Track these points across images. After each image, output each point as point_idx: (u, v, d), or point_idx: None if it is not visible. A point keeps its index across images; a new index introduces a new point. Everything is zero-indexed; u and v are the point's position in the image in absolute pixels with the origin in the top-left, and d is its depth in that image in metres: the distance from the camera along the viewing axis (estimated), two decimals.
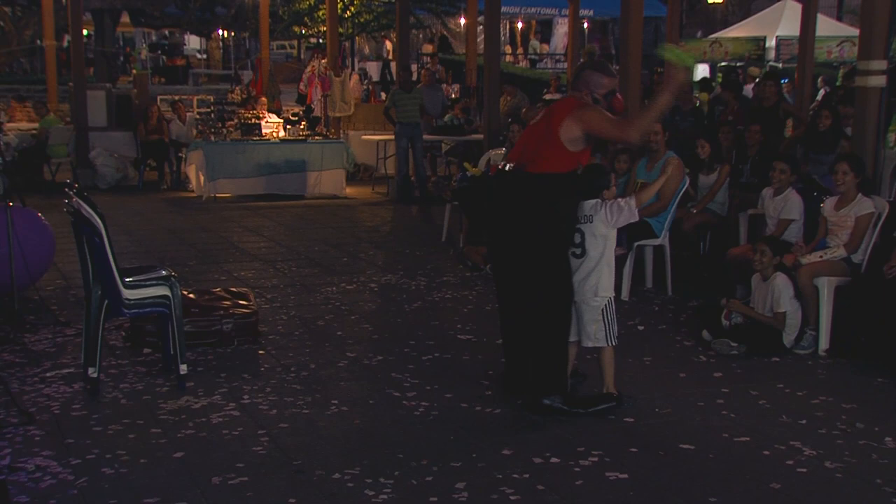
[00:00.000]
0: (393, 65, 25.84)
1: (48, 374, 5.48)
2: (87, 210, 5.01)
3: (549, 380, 4.94)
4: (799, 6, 14.58)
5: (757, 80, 13.19)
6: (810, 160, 8.64)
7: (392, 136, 13.23)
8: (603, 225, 4.95)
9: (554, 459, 4.37)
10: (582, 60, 5.07)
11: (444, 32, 28.71)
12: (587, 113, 4.78)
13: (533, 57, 31.65)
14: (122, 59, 29.74)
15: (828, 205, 6.58)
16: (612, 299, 5.05)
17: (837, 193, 6.50)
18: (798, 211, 6.95)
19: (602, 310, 5.00)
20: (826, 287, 6.17)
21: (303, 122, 13.63)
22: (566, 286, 4.93)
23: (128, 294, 5.16)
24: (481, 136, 12.90)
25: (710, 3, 29.60)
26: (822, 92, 17.11)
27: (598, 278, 4.98)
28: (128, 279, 5.19)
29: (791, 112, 10.90)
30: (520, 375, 5.06)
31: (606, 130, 4.84)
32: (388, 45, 29.27)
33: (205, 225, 10.77)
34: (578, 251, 4.97)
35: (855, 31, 16.65)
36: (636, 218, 5.00)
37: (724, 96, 11.34)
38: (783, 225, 6.92)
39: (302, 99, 17.84)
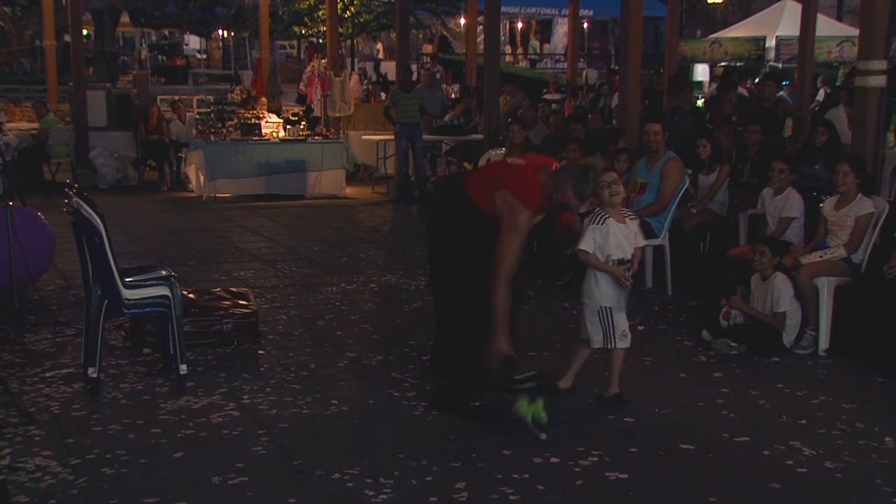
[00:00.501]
0: (383, 64, 25.88)
1: (48, 374, 5.48)
2: (87, 210, 5.01)
3: (470, 379, 4.96)
4: (799, 6, 14.58)
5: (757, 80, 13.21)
6: (802, 173, 8.60)
7: (392, 136, 13.24)
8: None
9: (554, 459, 4.37)
10: (580, 166, 4.98)
11: (444, 32, 28.72)
12: (512, 198, 4.70)
13: (533, 57, 31.65)
14: (122, 59, 29.73)
15: (828, 204, 6.59)
16: (610, 310, 5.02)
17: (837, 194, 6.51)
18: (799, 209, 6.95)
19: (598, 312, 5.02)
20: (826, 287, 6.17)
21: (303, 122, 13.64)
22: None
23: (128, 294, 5.16)
24: (481, 137, 12.90)
25: (710, 3, 29.61)
26: (821, 92, 17.11)
27: (587, 283, 5.04)
28: (128, 279, 5.19)
29: (791, 112, 10.91)
30: (444, 364, 5.12)
31: (501, 229, 4.69)
32: (380, 45, 29.24)
33: (205, 225, 10.77)
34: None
35: (855, 31, 16.65)
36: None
37: (727, 95, 11.33)
38: (784, 224, 6.92)
39: (302, 99, 17.85)
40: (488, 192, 4.80)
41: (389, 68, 21.33)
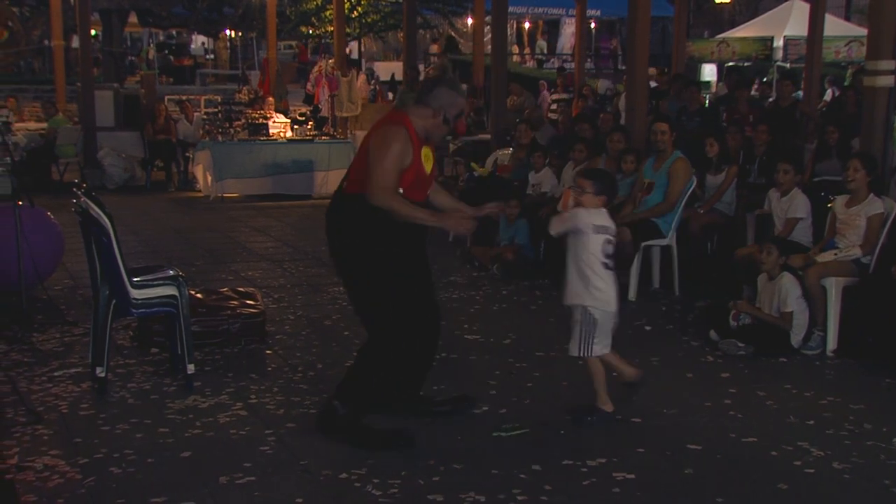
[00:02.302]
0: (380, 64, 25.85)
1: (56, 374, 5.49)
2: (95, 210, 5.02)
3: (354, 389, 4.58)
4: (807, 6, 14.54)
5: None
6: (817, 173, 8.61)
7: None
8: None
9: (561, 460, 4.37)
10: (431, 73, 4.72)
11: (451, 32, 28.73)
12: (382, 134, 4.36)
13: (540, 57, 31.64)
14: (130, 59, 29.82)
15: (838, 202, 6.57)
16: (591, 314, 4.78)
17: (848, 193, 6.49)
18: (804, 209, 6.93)
19: (578, 318, 4.83)
20: (834, 287, 6.16)
21: (310, 122, 13.65)
22: (398, 310, 4.50)
23: (135, 294, 5.16)
24: (488, 136, 12.89)
25: (718, 3, 29.57)
26: (829, 92, 17.06)
27: (569, 285, 4.87)
28: (135, 279, 5.20)
29: (807, 113, 10.89)
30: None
31: (371, 165, 4.30)
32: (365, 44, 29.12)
33: (212, 225, 10.79)
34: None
35: (863, 31, 16.62)
36: (574, 226, 4.77)
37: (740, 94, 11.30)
38: (791, 224, 6.91)
39: (309, 99, 17.87)
40: (361, 160, 4.44)
41: (395, 69, 21.33)
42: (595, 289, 4.78)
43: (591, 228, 4.74)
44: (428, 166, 4.53)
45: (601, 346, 4.84)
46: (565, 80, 18.61)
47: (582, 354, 4.86)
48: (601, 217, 4.79)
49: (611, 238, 4.82)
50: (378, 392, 4.61)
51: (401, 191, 4.34)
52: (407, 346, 4.56)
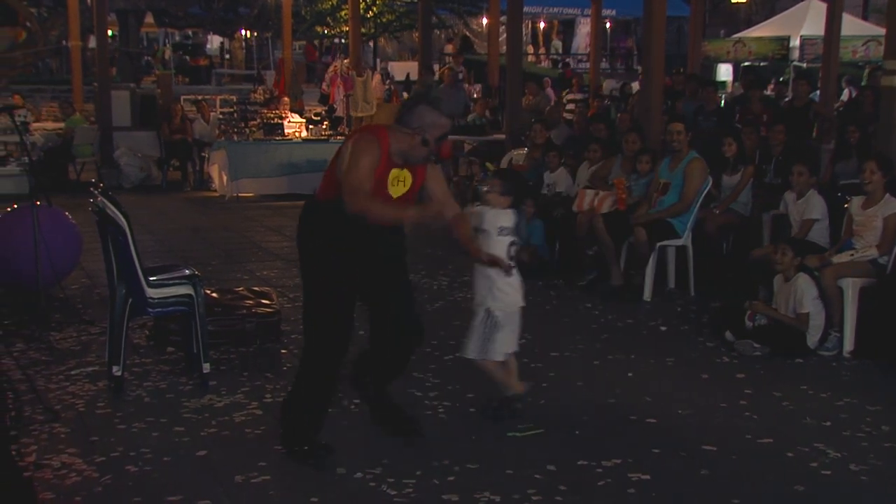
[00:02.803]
0: (395, 65, 25.86)
1: (73, 373, 5.52)
2: (111, 209, 5.05)
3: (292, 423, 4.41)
4: (824, 5, 14.49)
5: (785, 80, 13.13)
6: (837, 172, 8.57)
7: None
8: None
9: (576, 460, 4.36)
10: (414, 93, 4.35)
11: (466, 32, 28.73)
12: (355, 144, 4.15)
13: (555, 57, 31.61)
14: (146, 59, 29.95)
15: (854, 203, 6.54)
16: (494, 316, 4.67)
17: (865, 194, 6.46)
18: (820, 211, 6.89)
19: (480, 318, 4.73)
20: (850, 288, 6.13)
21: (325, 122, 13.67)
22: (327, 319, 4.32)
23: (152, 293, 5.19)
24: (503, 136, 12.88)
25: (734, 3, 29.46)
26: (846, 92, 16.97)
27: (474, 287, 4.78)
28: (152, 278, 5.22)
29: (822, 113, 10.83)
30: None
31: (345, 172, 4.10)
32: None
33: (227, 224, 10.82)
34: None
35: (880, 31, 16.52)
36: (478, 224, 4.64)
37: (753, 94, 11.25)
38: (807, 226, 6.88)
39: (324, 99, 17.90)
40: (331, 168, 4.28)
41: (410, 68, 21.35)
42: (499, 290, 4.69)
43: (496, 230, 4.64)
44: (398, 190, 4.25)
45: (501, 351, 4.75)
46: (565, 76, 18.59)
47: (478, 357, 4.76)
48: (506, 218, 4.67)
49: (515, 240, 4.68)
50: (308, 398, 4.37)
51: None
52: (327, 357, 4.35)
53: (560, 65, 28.43)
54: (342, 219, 4.13)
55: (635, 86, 18.39)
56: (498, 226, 4.65)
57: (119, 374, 5.19)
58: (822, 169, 8.41)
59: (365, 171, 4.07)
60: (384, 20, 26.57)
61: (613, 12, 26.56)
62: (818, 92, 12.96)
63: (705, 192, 7.66)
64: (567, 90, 18.57)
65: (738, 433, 4.74)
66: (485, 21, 24.97)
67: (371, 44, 29.50)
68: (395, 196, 4.25)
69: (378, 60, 31.09)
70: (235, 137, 12.92)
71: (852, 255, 6.31)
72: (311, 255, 4.34)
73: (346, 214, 4.08)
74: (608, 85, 17.78)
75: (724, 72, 22.31)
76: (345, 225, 4.15)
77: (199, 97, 16.57)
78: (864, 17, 25.71)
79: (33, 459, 4.29)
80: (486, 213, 4.68)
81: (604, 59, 27.13)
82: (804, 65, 19.39)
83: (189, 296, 5.27)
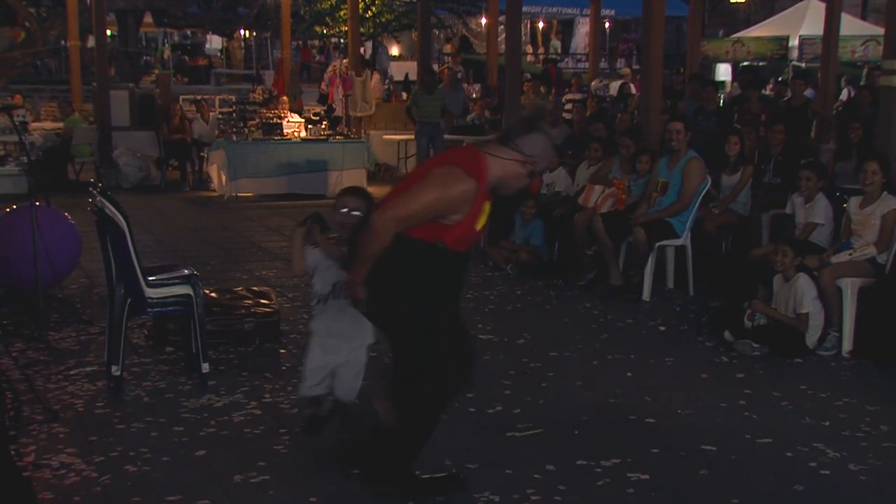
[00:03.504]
0: (395, 64, 25.89)
1: (72, 372, 5.52)
2: (110, 209, 5.04)
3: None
4: (822, 5, 14.49)
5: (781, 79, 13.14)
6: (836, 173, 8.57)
7: (413, 136, 13.27)
8: None
9: (575, 460, 4.36)
10: (529, 114, 3.85)
11: (465, 32, 28.73)
12: (442, 176, 3.67)
13: (554, 56, 31.60)
14: (145, 59, 29.96)
15: (852, 203, 6.55)
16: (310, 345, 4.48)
17: (863, 194, 6.46)
18: (823, 215, 6.89)
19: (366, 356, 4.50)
20: (849, 288, 6.13)
21: (324, 122, 13.67)
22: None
23: (151, 293, 5.18)
24: None
25: (733, 3, 29.49)
26: (845, 92, 16.98)
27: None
28: (151, 278, 5.22)
29: (819, 113, 10.83)
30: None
31: (408, 194, 3.70)
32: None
33: (227, 224, 10.82)
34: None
35: (879, 30, 16.52)
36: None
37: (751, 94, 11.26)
38: (810, 228, 6.89)
39: (323, 98, 17.89)
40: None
41: (409, 68, 21.34)
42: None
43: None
44: (482, 222, 3.83)
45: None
46: (548, 74, 18.63)
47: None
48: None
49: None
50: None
51: (442, 244, 3.71)
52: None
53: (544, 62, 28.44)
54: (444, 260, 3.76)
55: (614, 85, 18.45)
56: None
57: (118, 373, 5.19)
58: (826, 173, 8.40)
59: (425, 208, 3.64)
60: (383, 20, 26.55)
61: (612, 12, 26.54)
62: (809, 89, 12.94)
63: (704, 191, 7.66)
64: (550, 87, 18.57)
65: (737, 433, 4.74)
66: (484, 21, 24.98)
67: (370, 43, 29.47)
68: (478, 229, 3.84)
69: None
70: (234, 137, 12.91)
71: (851, 254, 6.32)
72: (410, 295, 3.80)
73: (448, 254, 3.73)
74: (595, 84, 17.77)
75: (723, 72, 22.31)
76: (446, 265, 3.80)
77: (198, 97, 16.56)
78: (863, 17, 25.74)
79: (32, 459, 4.28)
80: (310, 253, 4.48)
81: (603, 59, 27.13)
82: (803, 64, 19.40)
83: (188, 296, 5.27)
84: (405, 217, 3.65)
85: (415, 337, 3.84)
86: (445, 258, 3.76)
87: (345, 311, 4.29)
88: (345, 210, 4.31)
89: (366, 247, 3.69)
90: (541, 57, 30.84)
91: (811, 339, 6.08)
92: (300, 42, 31.81)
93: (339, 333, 4.43)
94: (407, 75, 20.38)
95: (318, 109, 15.91)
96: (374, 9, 25.39)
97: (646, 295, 7.41)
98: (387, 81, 20.46)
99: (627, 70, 23.00)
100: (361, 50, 19.44)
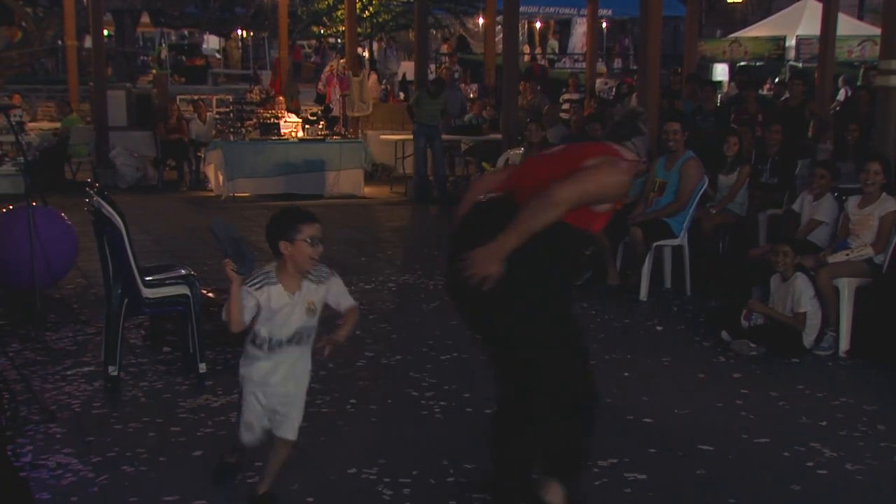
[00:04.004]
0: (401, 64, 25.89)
1: (69, 373, 5.51)
2: (107, 209, 5.04)
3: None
4: (819, 5, 14.50)
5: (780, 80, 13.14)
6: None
7: (410, 136, 13.28)
8: None
9: None
10: (628, 116, 3.73)
11: (462, 32, 28.73)
12: (618, 165, 3.56)
13: (551, 56, 31.60)
14: (142, 59, 29.92)
15: (851, 202, 6.55)
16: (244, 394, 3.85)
17: (862, 193, 6.47)
18: (827, 214, 6.90)
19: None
20: (846, 288, 6.14)
21: (321, 122, 13.67)
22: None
23: (147, 293, 5.18)
24: (499, 136, 12.89)
25: (730, 3, 29.52)
26: (842, 92, 17.00)
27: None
28: (147, 278, 5.22)
29: (818, 113, 10.84)
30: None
31: (590, 171, 3.48)
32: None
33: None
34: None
35: (876, 31, 16.55)
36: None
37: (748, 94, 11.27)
38: (811, 226, 6.91)
39: (321, 98, 17.89)
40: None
41: (406, 68, 21.34)
42: None
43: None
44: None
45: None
46: (532, 72, 18.67)
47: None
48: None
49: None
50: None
51: (589, 232, 3.65)
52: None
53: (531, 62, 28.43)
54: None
55: (598, 83, 18.46)
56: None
57: (115, 374, 5.18)
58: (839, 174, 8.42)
59: (600, 189, 3.49)
60: (380, 20, 26.54)
61: (610, 12, 26.56)
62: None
63: (702, 191, 7.66)
64: (564, 89, 18.57)
65: (734, 433, 4.75)
66: (481, 21, 24.99)
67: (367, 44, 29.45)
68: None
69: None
70: (232, 137, 12.91)
71: (848, 254, 6.32)
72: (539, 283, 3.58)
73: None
74: (599, 86, 17.82)
75: (721, 72, 22.34)
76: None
77: (196, 97, 16.56)
78: (860, 17, 25.77)
79: (29, 460, 4.27)
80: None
81: (600, 59, 27.12)
82: (800, 65, 19.43)
83: (185, 295, 5.27)
84: (580, 195, 3.46)
85: (541, 341, 3.61)
86: (580, 247, 3.67)
87: (305, 356, 3.94)
88: (310, 241, 3.90)
89: (533, 218, 3.39)
90: (529, 56, 30.84)
91: (808, 338, 6.09)
92: (291, 42, 31.77)
93: (294, 377, 3.93)
94: (405, 75, 20.38)
95: (315, 109, 15.92)
96: (371, 9, 25.38)
97: (643, 295, 7.41)
98: (384, 81, 20.46)
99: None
100: (363, 50, 19.44)
